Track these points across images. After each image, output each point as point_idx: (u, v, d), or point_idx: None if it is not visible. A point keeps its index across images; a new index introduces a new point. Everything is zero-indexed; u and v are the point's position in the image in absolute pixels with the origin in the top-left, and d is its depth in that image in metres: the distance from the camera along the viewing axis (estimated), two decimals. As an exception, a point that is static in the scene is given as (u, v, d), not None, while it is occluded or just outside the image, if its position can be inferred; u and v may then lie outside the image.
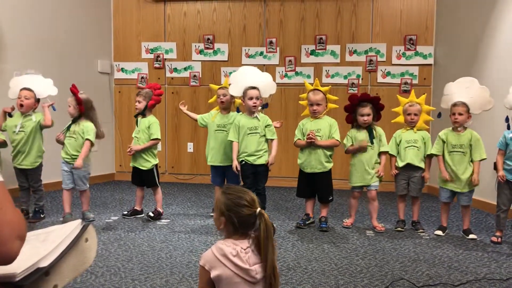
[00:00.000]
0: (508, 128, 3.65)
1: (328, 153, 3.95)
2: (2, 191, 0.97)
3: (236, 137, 4.01)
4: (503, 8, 4.60)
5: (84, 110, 4.05)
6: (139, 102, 4.19)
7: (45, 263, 1.08)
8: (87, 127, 4.03)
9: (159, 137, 4.21)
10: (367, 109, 3.91)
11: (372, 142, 3.93)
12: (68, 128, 4.04)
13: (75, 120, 4.05)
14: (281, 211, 4.63)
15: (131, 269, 2.85)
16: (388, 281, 2.70)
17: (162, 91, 4.32)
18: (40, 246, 1.14)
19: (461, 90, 3.81)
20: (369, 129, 3.95)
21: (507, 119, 3.70)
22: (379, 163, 3.98)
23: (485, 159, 3.73)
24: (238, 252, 1.63)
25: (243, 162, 4.01)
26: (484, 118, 4.09)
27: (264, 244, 1.70)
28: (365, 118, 3.91)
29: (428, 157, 3.96)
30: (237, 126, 4.02)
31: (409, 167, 3.95)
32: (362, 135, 3.96)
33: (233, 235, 1.70)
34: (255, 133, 3.99)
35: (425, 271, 2.90)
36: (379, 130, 4.00)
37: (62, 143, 4.05)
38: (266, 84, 4.11)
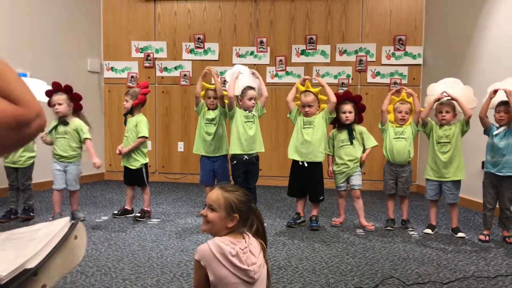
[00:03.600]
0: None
1: (320, 144, 3.95)
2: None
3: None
4: (492, 8, 4.66)
5: (81, 107, 4.03)
6: (126, 101, 4.17)
7: (32, 264, 1.07)
8: (79, 125, 3.99)
9: (147, 135, 4.18)
10: (348, 106, 3.96)
11: (351, 142, 3.97)
12: (55, 128, 3.96)
13: (64, 121, 3.97)
14: (272, 210, 4.64)
15: (121, 269, 2.84)
16: (378, 280, 2.72)
17: (148, 90, 4.28)
18: (26, 246, 1.13)
19: (446, 90, 3.84)
20: (349, 129, 3.98)
21: None
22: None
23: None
24: (238, 252, 1.62)
25: (235, 162, 4.02)
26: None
27: (264, 236, 1.78)
28: (347, 115, 3.95)
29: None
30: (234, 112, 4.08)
31: (395, 164, 3.98)
32: (343, 135, 4.00)
33: (232, 234, 1.70)
34: (252, 122, 4.04)
35: (414, 269, 2.93)
36: (359, 128, 4.04)
37: (50, 144, 4.00)
38: (258, 86, 4.20)
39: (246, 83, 4.10)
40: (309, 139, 3.93)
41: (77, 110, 4.05)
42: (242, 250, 1.64)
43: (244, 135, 4.01)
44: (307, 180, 3.98)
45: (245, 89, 4.06)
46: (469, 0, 5.04)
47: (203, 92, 4.29)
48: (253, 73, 4.20)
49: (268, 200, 5.14)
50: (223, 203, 1.68)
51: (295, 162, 4.03)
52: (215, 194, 1.71)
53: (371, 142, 4.04)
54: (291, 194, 4.14)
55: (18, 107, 0.90)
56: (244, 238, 1.70)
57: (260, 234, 1.76)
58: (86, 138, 4.01)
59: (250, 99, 4.04)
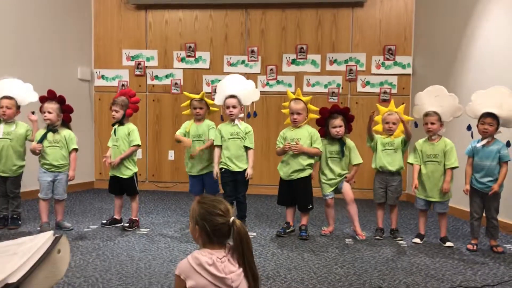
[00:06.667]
0: (472, 136, 3.73)
1: (308, 161, 3.96)
2: None
3: (220, 141, 4.06)
4: (479, 19, 4.73)
5: (70, 119, 4.04)
6: (116, 111, 4.11)
7: (14, 278, 1.06)
8: (69, 134, 4.05)
9: (140, 143, 4.19)
10: (338, 121, 3.95)
11: (343, 155, 3.99)
12: (45, 137, 3.97)
13: (53, 128, 3.99)
14: (261, 219, 4.64)
15: (109, 280, 2.81)
16: (366, 290, 2.72)
17: (138, 99, 4.26)
18: (9, 261, 1.12)
19: (431, 99, 3.88)
20: (341, 141, 4.00)
21: (469, 127, 3.79)
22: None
23: (457, 167, 3.79)
24: (214, 261, 1.66)
25: (223, 169, 4.03)
26: (456, 126, 4.17)
27: (240, 252, 1.72)
28: (338, 129, 3.95)
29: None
30: (219, 131, 4.09)
31: (385, 173, 3.99)
32: (334, 147, 4.01)
33: (208, 244, 1.74)
34: (236, 138, 4.03)
35: (402, 279, 2.93)
36: (349, 143, 4.05)
37: (37, 154, 3.97)
38: (247, 92, 4.16)
39: (229, 92, 4.08)
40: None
41: (66, 121, 4.06)
42: (220, 259, 1.68)
43: (226, 153, 4.03)
44: (295, 189, 3.99)
45: (225, 98, 4.08)
46: (458, 11, 5.11)
47: (187, 103, 4.29)
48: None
49: (258, 209, 5.13)
50: (191, 214, 1.77)
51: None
52: (192, 205, 1.80)
53: (357, 159, 4.05)
54: (281, 203, 4.14)
55: None
56: (223, 248, 1.73)
57: (239, 248, 1.72)
58: (74, 149, 4.03)
59: (227, 107, 4.04)
